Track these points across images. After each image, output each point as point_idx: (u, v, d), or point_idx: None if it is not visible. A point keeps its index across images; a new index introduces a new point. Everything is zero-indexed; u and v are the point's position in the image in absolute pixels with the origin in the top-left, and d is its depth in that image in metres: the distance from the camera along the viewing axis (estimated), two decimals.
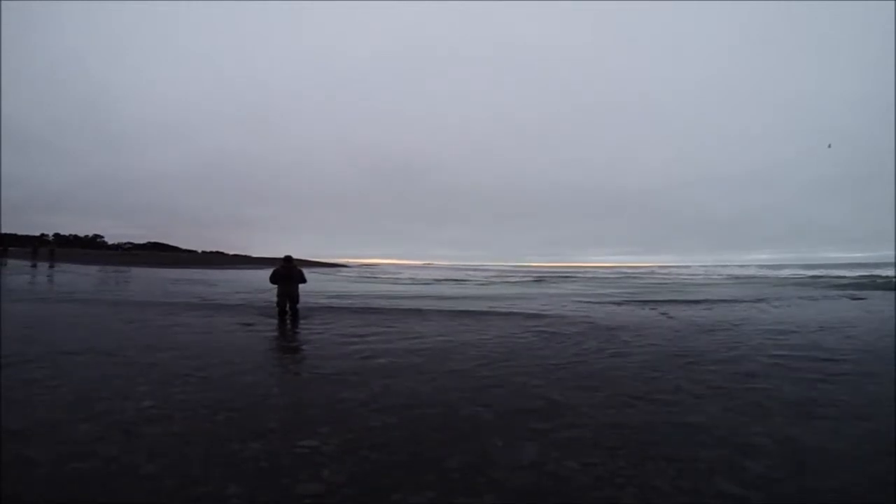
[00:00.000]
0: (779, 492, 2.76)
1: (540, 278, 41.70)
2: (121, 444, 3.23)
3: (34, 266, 27.86)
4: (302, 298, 10.23)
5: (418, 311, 11.90)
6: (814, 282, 32.58)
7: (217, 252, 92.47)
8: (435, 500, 2.60)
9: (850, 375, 5.64)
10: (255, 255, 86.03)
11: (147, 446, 3.19)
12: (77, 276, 22.56)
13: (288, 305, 9.82)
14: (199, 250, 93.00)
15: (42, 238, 62.10)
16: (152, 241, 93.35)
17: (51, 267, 28.30)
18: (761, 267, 64.02)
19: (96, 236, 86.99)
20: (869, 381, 5.40)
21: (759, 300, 16.72)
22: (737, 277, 40.73)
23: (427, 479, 2.82)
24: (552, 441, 3.45)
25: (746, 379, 5.38)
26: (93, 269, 30.02)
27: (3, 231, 59.90)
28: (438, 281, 33.92)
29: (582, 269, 79.51)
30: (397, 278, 38.18)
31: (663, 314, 11.91)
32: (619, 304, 15.24)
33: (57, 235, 74.03)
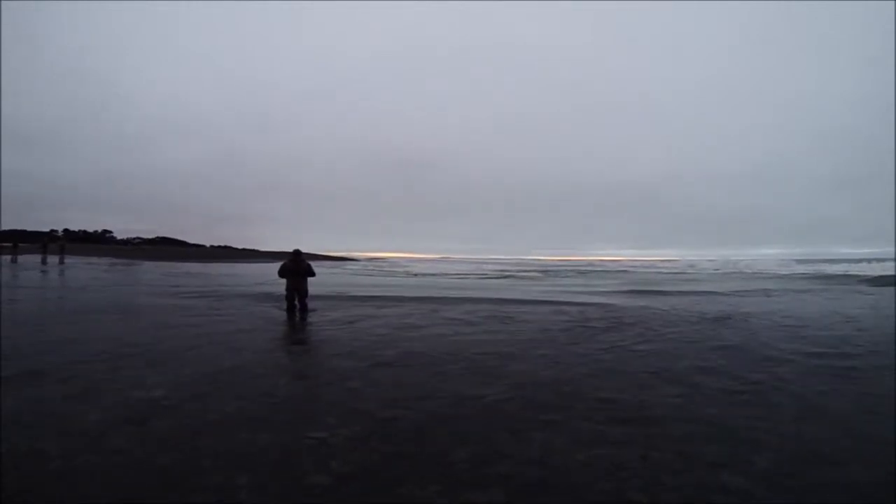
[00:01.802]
0: None
1: (557, 271, 41.71)
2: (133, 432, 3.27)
3: (44, 262, 28.10)
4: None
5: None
6: (820, 277, 32.34)
7: (225, 247, 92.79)
8: None
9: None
10: (263, 249, 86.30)
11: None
12: (87, 272, 22.78)
13: (296, 299, 9.84)
14: (208, 245, 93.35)
15: (52, 234, 62.70)
16: (161, 235, 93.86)
17: (60, 263, 28.49)
18: (769, 262, 62.93)
19: (105, 231, 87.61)
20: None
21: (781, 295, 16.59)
22: (750, 273, 40.13)
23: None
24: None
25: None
26: (103, 264, 30.29)
27: (14, 228, 60.69)
28: (483, 277, 33.71)
29: (593, 263, 78.91)
30: (416, 273, 38.04)
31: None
32: (643, 294, 15.20)
33: (66, 231, 74.67)
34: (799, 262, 57.93)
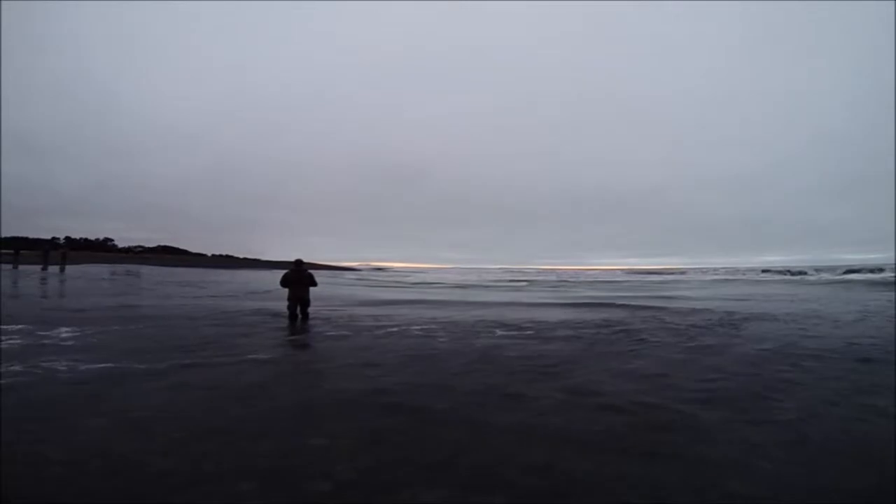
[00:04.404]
0: None
1: (576, 282, 41.61)
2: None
3: (45, 269, 27.87)
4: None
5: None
6: (828, 282, 32.21)
7: (227, 256, 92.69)
8: None
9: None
10: (264, 258, 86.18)
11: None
12: (89, 282, 22.69)
13: (298, 309, 9.86)
14: (209, 254, 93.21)
15: (53, 241, 62.78)
16: (162, 244, 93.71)
17: (61, 271, 28.27)
18: (782, 270, 62.17)
19: (107, 240, 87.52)
20: None
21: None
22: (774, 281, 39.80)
23: None
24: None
25: None
26: (104, 273, 30.16)
27: (16, 235, 60.66)
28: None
29: (603, 272, 78.71)
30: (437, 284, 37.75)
31: None
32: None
33: (68, 239, 74.72)
34: (815, 268, 57.58)
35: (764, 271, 55.77)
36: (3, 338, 6.99)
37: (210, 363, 5.87)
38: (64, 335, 7.42)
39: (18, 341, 6.81)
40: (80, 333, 7.61)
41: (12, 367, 5.28)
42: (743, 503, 2.58)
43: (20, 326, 7.97)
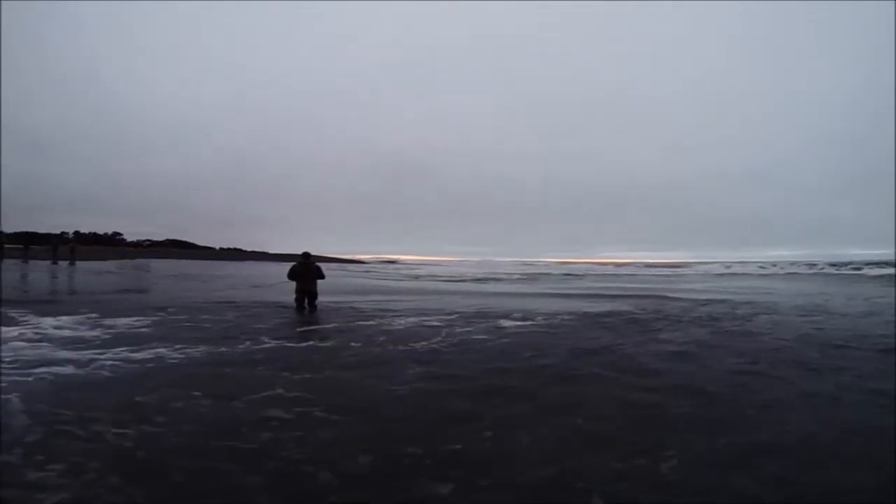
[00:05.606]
0: None
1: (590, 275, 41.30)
2: None
3: (55, 263, 27.92)
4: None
5: None
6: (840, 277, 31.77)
7: (235, 249, 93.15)
8: None
9: None
10: (272, 251, 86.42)
11: None
12: (103, 276, 22.72)
13: (306, 301, 9.78)
14: (217, 247, 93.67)
15: (62, 236, 63.26)
16: (170, 238, 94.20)
17: (71, 265, 28.31)
18: (791, 264, 60.70)
19: (115, 234, 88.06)
20: None
21: None
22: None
23: None
24: None
25: None
26: (115, 268, 30.23)
27: (25, 230, 61.09)
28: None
29: (609, 266, 77.74)
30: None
31: None
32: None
33: (77, 233, 75.30)
34: (811, 263, 56.76)
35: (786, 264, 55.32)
36: (79, 327, 7.24)
37: (284, 347, 6.33)
38: (132, 325, 7.58)
39: (99, 332, 6.92)
40: (142, 322, 7.80)
41: (137, 354, 5.48)
42: (746, 503, 2.50)
43: (79, 317, 8.10)
